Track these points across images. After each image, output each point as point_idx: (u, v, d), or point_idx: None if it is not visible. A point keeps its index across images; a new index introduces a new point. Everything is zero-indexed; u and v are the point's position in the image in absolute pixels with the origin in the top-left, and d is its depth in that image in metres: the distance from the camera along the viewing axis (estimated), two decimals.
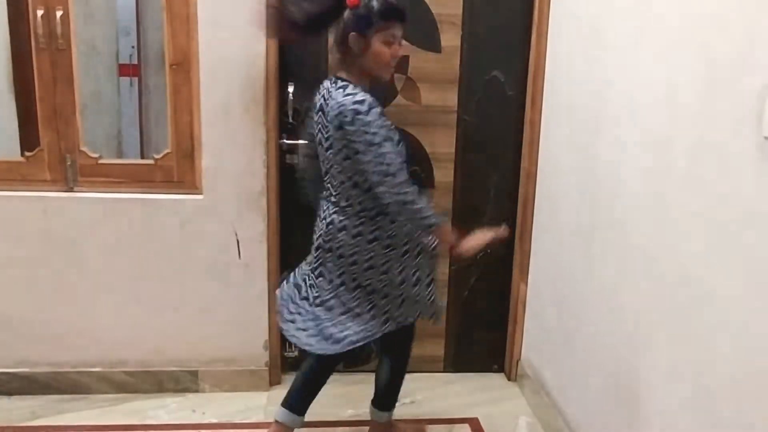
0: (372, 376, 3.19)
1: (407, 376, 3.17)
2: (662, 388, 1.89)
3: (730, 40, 1.60)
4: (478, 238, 2.19)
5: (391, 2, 2.05)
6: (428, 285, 2.35)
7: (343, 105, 2.03)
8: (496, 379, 3.24)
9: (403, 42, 2.16)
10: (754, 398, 1.50)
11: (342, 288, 2.21)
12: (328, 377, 2.43)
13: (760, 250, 1.48)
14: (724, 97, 1.62)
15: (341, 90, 2.08)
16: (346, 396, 3.02)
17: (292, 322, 2.31)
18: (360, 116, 2.00)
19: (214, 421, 2.78)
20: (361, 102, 2.02)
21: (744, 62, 1.54)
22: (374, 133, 2.00)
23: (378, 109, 2.04)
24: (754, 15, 1.51)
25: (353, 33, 2.06)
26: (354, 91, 2.06)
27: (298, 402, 2.38)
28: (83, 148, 2.78)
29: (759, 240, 1.48)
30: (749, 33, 1.53)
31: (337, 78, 2.15)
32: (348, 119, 2.01)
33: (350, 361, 3.10)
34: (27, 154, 2.78)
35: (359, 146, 2.01)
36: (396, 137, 2.09)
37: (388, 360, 2.53)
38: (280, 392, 2.99)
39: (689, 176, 1.76)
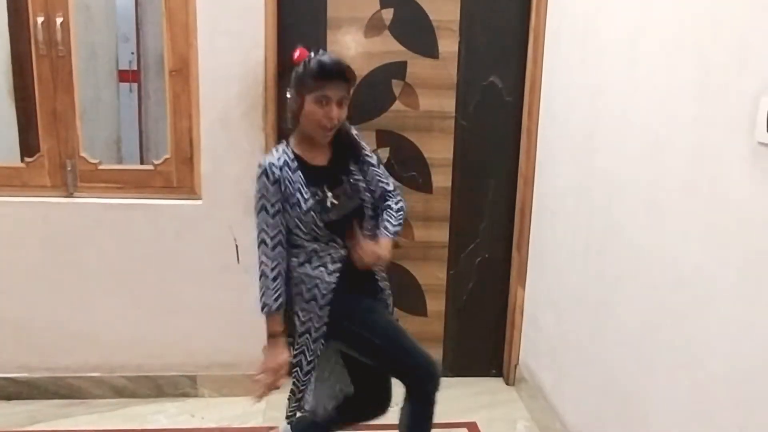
0: None
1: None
2: (659, 392, 1.90)
3: (725, 46, 1.61)
4: (277, 362, 2.07)
5: (324, 62, 1.96)
6: None
7: None
8: (494, 384, 3.24)
9: (343, 105, 2.02)
10: (751, 401, 1.51)
11: None
12: None
13: (755, 253, 1.49)
14: (718, 102, 1.63)
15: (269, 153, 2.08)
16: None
17: None
18: (257, 180, 2.02)
19: (213, 425, 2.79)
20: (259, 167, 2.02)
21: (738, 68, 1.56)
22: (256, 201, 2.02)
23: (268, 178, 1.98)
24: (748, 22, 1.53)
25: (291, 90, 2.04)
26: (271, 153, 2.05)
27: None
28: (83, 154, 2.79)
29: (753, 243, 1.50)
30: (743, 39, 1.54)
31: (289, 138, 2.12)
32: None
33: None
34: (27, 159, 2.79)
35: None
36: (298, 200, 2.00)
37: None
38: (279, 397, 3.00)
39: (684, 181, 1.77)
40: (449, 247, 3.13)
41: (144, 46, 3.87)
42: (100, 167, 2.81)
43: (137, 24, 3.84)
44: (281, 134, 2.89)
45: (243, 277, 2.88)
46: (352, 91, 2.06)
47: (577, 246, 2.51)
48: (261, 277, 2.04)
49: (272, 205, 2.00)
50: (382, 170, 2.22)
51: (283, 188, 2.00)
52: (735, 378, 1.56)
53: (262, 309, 2.05)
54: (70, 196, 2.80)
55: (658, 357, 1.91)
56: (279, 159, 2.02)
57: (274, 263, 2.02)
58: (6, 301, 2.83)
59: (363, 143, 2.20)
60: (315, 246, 2.05)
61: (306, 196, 2.00)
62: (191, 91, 2.76)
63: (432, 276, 3.16)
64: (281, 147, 2.07)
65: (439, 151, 3.03)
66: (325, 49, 2.86)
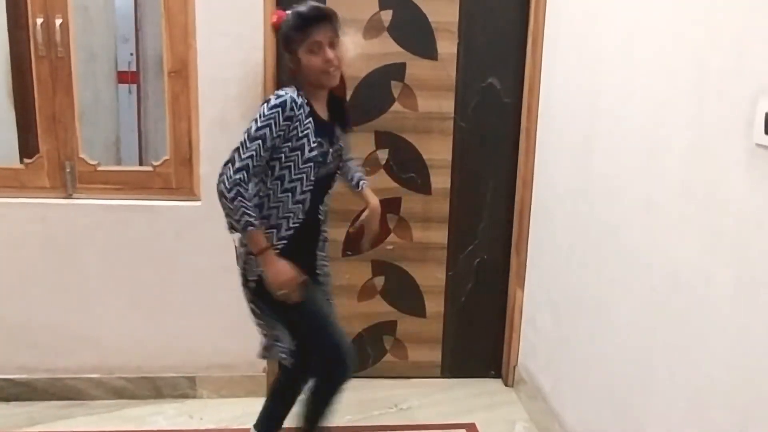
0: (371, 382, 3.21)
1: (404, 382, 3.20)
2: (658, 393, 1.90)
3: (721, 48, 1.62)
4: (284, 273, 2.02)
5: (302, 11, 1.98)
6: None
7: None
8: (493, 385, 3.24)
9: (345, 42, 2.06)
10: (749, 403, 1.52)
11: None
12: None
13: (753, 255, 1.50)
14: (715, 104, 1.64)
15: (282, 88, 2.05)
16: (344, 402, 3.02)
17: None
18: (264, 105, 1.98)
19: (212, 427, 2.79)
20: (276, 96, 1.97)
21: (735, 70, 1.56)
22: (256, 124, 1.95)
23: (284, 110, 1.94)
24: (744, 23, 1.54)
25: (285, 53, 2.05)
26: (285, 89, 2.01)
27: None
28: (82, 155, 2.79)
29: (751, 245, 1.50)
30: (740, 41, 1.55)
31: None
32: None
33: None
34: (26, 161, 2.80)
35: None
36: (303, 145, 2.00)
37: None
38: None
39: (682, 182, 1.78)
40: (448, 248, 3.14)
41: (143, 47, 3.87)
42: (99, 168, 2.81)
43: (136, 25, 3.84)
44: None
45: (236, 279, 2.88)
46: (339, 30, 2.06)
47: (576, 247, 2.51)
48: (237, 198, 1.93)
49: (273, 138, 1.95)
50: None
51: (292, 127, 1.96)
52: (733, 380, 1.57)
53: (245, 227, 1.97)
54: (69, 197, 2.80)
55: (656, 359, 1.91)
56: (299, 97, 1.99)
57: (253, 189, 1.99)
58: (5, 302, 2.83)
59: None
60: (284, 199, 2.03)
61: (313, 144, 2.00)
62: (190, 92, 2.76)
63: (431, 277, 3.16)
64: (294, 89, 2.02)
65: (437, 152, 3.03)
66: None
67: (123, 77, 3.89)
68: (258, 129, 1.95)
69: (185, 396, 2.97)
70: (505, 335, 3.22)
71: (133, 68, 3.89)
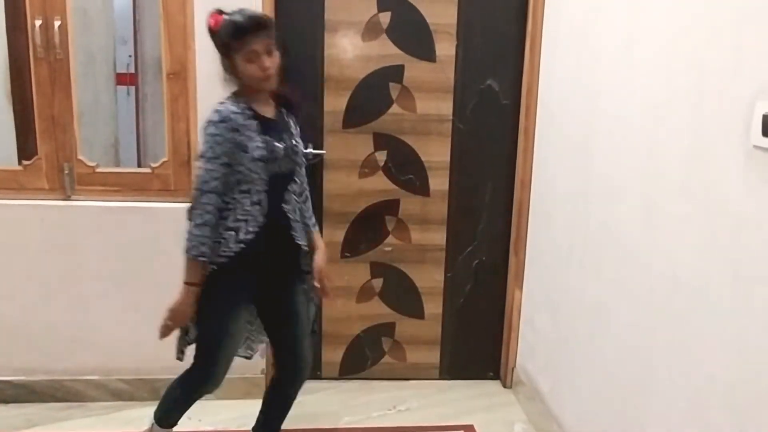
0: (369, 384, 3.21)
1: (403, 383, 3.20)
2: (657, 394, 1.91)
3: (720, 50, 1.62)
4: (182, 312, 2.09)
5: (237, 21, 1.99)
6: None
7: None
8: (492, 386, 3.24)
9: (276, 53, 2.05)
10: (749, 404, 1.52)
11: None
12: None
13: (751, 256, 1.50)
14: (713, 106, 1.64)
15: (219, 103, 2.08)
16: (342, 403, 3.03)
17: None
18: (206, 127, 2.01)
19: (210, 428, 2.79)
20: (216, 113, 2.01)
21: (733, 72, 1.57)
22: (206, 146, 2.00)
23: (226, 126, 1.98)
24: (742, 26, 1.54)
25: (222, 57, 2.06)
26: (223, 103, 2.05)
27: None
28: (81, 157, 2.79)
29: (749, 246, 1.50)
30: (738, 43, 1.55)
31: (232, 93, 2.12)
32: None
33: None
34: (25, 162, 2.79)
35: None
36: (249, 147, 2.02)
37: None
38: None
39: (680, 184, 1.78)
40: (446, 249, 3.14)
41: (142, 49, 3.86)
42: (98, 170, 2.81)
43: (135, 27, 3.83)
44: None
45: None
46: (275, 36, 2.06)
47: (574, 249, 2.52)
48: (201, 224, 2.00)
49: (222, 154, 2.00)
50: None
51: (238, 138, 2.00)
52: (732, 380, 1.57)
53: (197, 256, 2.02)
54: (68, 199, 2.80)
55: (654, 359, 1.91)
56: (235, 106, 2.03)
57: (204, 211, 2.01)
58: (3, 304, 2.83)
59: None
60: (241, 200, 2.05)
61: (259, 145, 2.03)
62: (189, 94, 2.76)
63: (429, 279, 3.17)
64: (230, 100, 2.06)
65: (436, 154, 3.04)
66: (322, 50, 2.89)
67: (122, 79, 3.88)
68: (210, 150, 1.99)
69: None
70: (503, 336, 3.22)
71: (132, 70, 3.88)
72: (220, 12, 2.05)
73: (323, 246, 2.35)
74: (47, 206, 2.78)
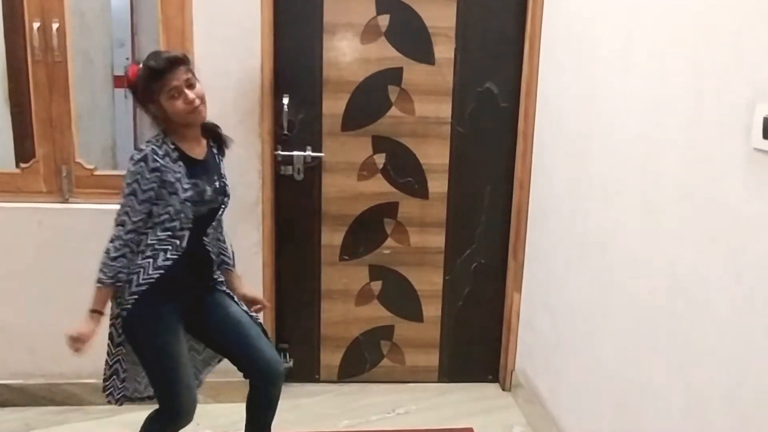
0: (368, 387, 3.21)
1: (402, 386, 3.19)
2: (656, 396, 1.90)
3: (719, 52, 1.62)
4: (79, 338, 2.09)
5: (151, 65, 2.01)
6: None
7: None
8: (491, 389, 3.24)
9: (197, 85, 2.07)
10: (748, 406, 1.52)
11: None
12: None
13: (750, 258, 1.50)
14: (713, 108, 1.64)
15: (146, 142, 2.11)
16: (341, 407, 3.02)
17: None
18: (129, 163, 2.05)
19: (209, 431, 2.79)
20: (138, 152, 2.05)
21: (733, 74, 1.57)
22: (127, 183, 2.04)
23: (147, 165, 2.01)
24: (742, 27, 1.54)
25: (149, 106, 2.07)
26: (149, 142, 2.08)
27: None
28: (78, 160, 2.78)
29: (749, 249, 1.50)
30: (738, 45, 1.55)
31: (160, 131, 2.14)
32: None
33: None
34: (22, 165, 2.79)
35: None
36: (177, 189, 2.04)
37: None
38: (280, 404, 2.99)
39: (680, 186, 1.78)
40: (445, 252, 3.14)
41: (140, 52, 3.86)
42: (96, 173, 2.81)
43: (133, 30, 3.83)
44: (278, 140, 2.90)
45: None
46: (192, 68, 2.08)
47: (573, 251, 2.52)
48: (106, 252, 2.05)
49: (143, 192, 2.03)
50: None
51: (162, 177, 2.03)
52: (731, 382, 1.57)
53: (112, 282, 2.06)
54: (66, 201, 2.79)
55: (654, 362, 1.91)
56: (160, 148, 2.05)
57: (123, 246, 2.04)
58: (1, 307, 2.82)
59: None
60: (162, 237, 2.08)
61: (186, 187, 2.05)
62: None
63: (428, 281, 3.16)
64: (159, 138, 2.09)
65: (435, 156, 3.03)
66: (321, 52, 2.89)
67: (119, 81, 3.88)
68: (128, 186, 2.03)
69: None
70: (502, 339, 3.22)
71: None
72: (136, 63, 2.08)
73: (243, 287, 2.38)
74: (45, 209, 2.77)
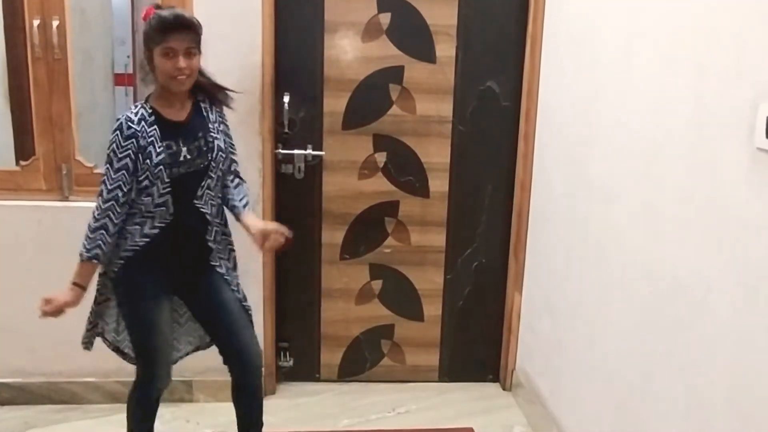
0: (368, 386, 3.20)
1: (402, 386, 3.19)
2: (657, 398, 1.90)
3: (721, 52, 1.62)
4: (54, 301, 2.10)
5: (163, 15, 2.02)
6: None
7: None
8: (491, 389, 3.24)
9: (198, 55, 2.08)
10: (750, 409, 1.51)
11: None
12: None
13: (753, 259, 1.49)
14: (715, 108, 1.63)
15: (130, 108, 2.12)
16: (341, 406, 3.02)
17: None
18: (111, 133, 2.06)
19: (209, 431, 2.78)
20: (117, 120, 2.06)
21: (735, 74, 1.56)
22: (108, 152, 2.06)
23: (122, 133, 2.03)
24: (744, 28, 1.53)
25: (143, 48, 2.08)
26: (130, 108, 2.10)
27: None
28: (78, 158, 2.78)
29: (751, 250, 1.50)
30: (740, 45, 1.54)
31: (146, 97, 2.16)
32: None
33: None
34: (22, 163, 2.78)
35: None
36: (150, 153, 2.04)
37: None
38: (275, 402, 3.00)
39: (681, 187, 1.77)
40: (446, 251, 3.13)
41: (140, 49, 3.86)
42: (96, 171, 2.80)
43: (133, 27, 3.82)
44: (278, 139, 2.89)
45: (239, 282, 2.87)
46: (200, 41, 2.09)
47: (574, 251, 2.51)
48: (100, 229, 2.06)
49: (119, 160, 2.04)
50: (231, 141, 2.31)
51: (137, 143, 2.04)
52: (733, 385, 1.56)
53: (93, 258, 2.07)
54: (66, 199, 2.79)
55: (655, 363, 1.90)
56: (136, 114, 2.07)
57: (102, 216, 2.05)
58: (0, 306, 2.81)
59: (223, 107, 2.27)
60: (142, 206, 2.09)
61: (159, 149, 2.05)
62: None
63: (429, 281, 3.16)
64: (140, 103, 2.11)
65: (436, 155, 3.03)
66: (322, 51, 2.88)
67: (120, 79, 3.88)
68: (107, 156, 2.06)
69: (181, 400, 2.95)
70: (503, 339, 3.21)
71: (130, 70, 3.88)
72: (154, 6, 2.09)
73: (258, 220, 2.32)
74: (45, 207, 2.77)
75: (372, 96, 2.95)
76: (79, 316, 2.85)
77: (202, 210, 2.16)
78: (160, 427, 2.76)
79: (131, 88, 3.92)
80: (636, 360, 2.02)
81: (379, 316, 3.18)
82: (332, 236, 3.07)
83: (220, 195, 2.25)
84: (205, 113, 2.20)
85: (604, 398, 2.24)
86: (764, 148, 1.45)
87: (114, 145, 2.04)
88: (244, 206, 2.29)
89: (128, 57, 3.89)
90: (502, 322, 3.20)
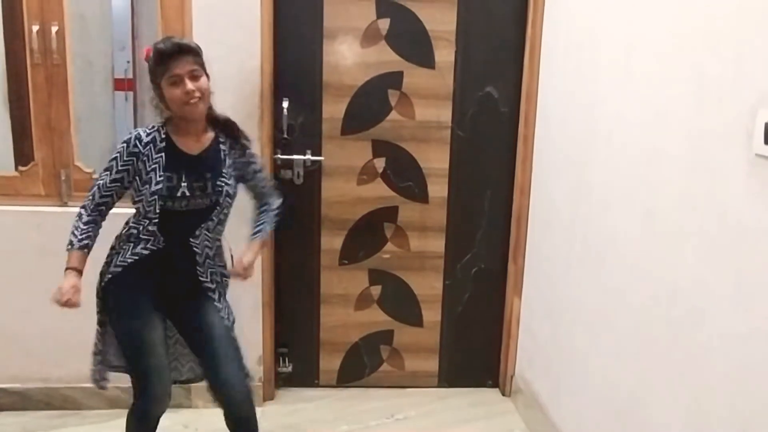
0: (367, 392, 3.19)
1: (401, 391, 3.18)
2: (656, 403, 1.89)
3: (721, 58, 1.62)
4: (60, 290, 2.14)
5: (159, 47, 2.03)
6: None
7: None
8: (491, 395, 3.23)
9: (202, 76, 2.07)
10: (749, 414, 1.51)
11: None
12: None
13: (752, 264, 1.49)
14: (714, 114, 1.63)
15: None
16: (340, 411, 3.01)
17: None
18: (120, 142, 2.11)
19: None
20: (128, 133, 2.10)
21: (734, 80, 1.56)
22: (109, 158, 2.11)
23: (127, 147, 2.07)
24: (744, 33, 1.53)
25: (152, 87, 2.09)
26: (146, 127, 2.12)
27: None
28: (78, 163, 2.78)
29: (750, 255, 1.49)
30: (739, 51, 1.54)
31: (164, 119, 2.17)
32: None
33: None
34: (21, 168, 2.78)
35: None
36: (150, 180, 2.07)
37: None
38: (274, 407, 3.00)
39: (680, 192, 1.77)
40: (445, 257, 3.13)
41: (139, 54, 3.87)
42: (95, 176, 2.79)
43: (133, 33, 3.83)
44: (277, 144, 2.89)
45: (237, 287, 2.86)
46: (203, 63, 2.09)
47: (574, 256, 2.50)
48: (75, 219, 2.11)
49: (117, 172, 2.08)
50: (264, 174, 2.32)
51: (139, 164, 2.07)
52: (732, 390, 1.56)
53: (67, 246, 2.12)
54: (65, 205, 2.79)
55: (655, 368, 1.90)
56: (148, 135, 2.09)
57: (91, 216, 2.11)
58: None
59: (248, 143, 2.26)
60: (139, 228, 2.11)
61: (159, 179, 2.06)
62: None
63: (428, 286, 3.15)
64: (158, 124, 2.13)
65: (435, 161, 3.02)
66: (321, 56, 2.88)
67: (119, 84, 3.88)
68: (108, 161, 2.10)
69: (180, 406, 2.94)
70: (502, 345, 3.21)
71: (130, 75, 3.88)
72: (150, 46, 2.09)
73: (255, 250, 2.30)
74: (44, 212, 2.77)
75: (371, 101, 2.95)
76: (77, 319, 2.85)
77: (194, 249, 2.14)
78: None
79: (131, 93, 3.92)
80: (636, 366, 2.02)
81: (378, 321, 3.17)
82: (331, 242, 3.06)
83: (219, 238, 2.24)
84: (222, 155, 2.17)
85: (604, 404, 2.24)
86: (763, 154, 1.45)
87: (118, 155, 2.08)
88: (253, 236, 2.31)
89: (128, 62, 3.89)
90: (501, 328, 3.20)
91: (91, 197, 2.11)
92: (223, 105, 2.71)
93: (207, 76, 2.09)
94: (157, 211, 2.06)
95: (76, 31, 2.86)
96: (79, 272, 2.13)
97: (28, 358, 2.85)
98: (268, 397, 3.04)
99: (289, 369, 3.14)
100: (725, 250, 1.58)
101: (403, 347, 3.21)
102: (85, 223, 2.10)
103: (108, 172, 2.09)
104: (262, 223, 2.31)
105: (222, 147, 2.18)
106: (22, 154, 2.88)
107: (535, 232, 2.95)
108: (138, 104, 3.92)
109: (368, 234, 3.08)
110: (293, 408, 3.01)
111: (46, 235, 2.77)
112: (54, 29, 2.65)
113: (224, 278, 2.30)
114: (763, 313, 1.45)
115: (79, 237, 2.10)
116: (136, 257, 2.11)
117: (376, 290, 3.14)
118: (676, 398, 1.78)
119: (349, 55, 2.92)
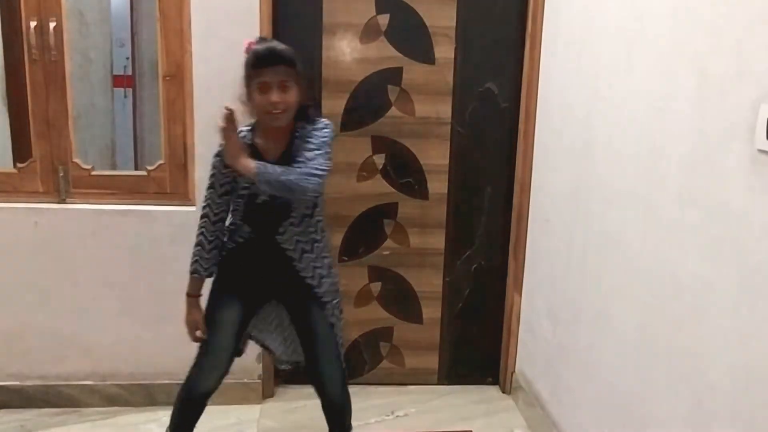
0: (367, 389, 3.19)
1: (401, 389, 3.17)
2: (657, 400, 1.88)
3: (723, 53, 1.60)
4: (187, 319, 2.26)
5: (257, 50, 2.02)
6: None
7: None
8: (491, 392, 3.22)
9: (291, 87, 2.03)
10: (752, 412, 1.50)
11: None
12: None
13: (754, 262, 1.48)
14: (716, 110, 1.62)
15: None
16: None
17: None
18: (214, 156, 2.16)
19: None
20: (221, 146, 2.11)
21: (736, 76, 1.55)
22: (209, 176, 2.18)
23: (221, 159, 2.10)
24: (746, 29, 1.52)
25: (244, 84, 2.08)
26: (241, 126, 2.15)
27: None
28: (76, 160, 2.77)
29: (752, 251, 1.48)
30: (741, 47, 1.53)
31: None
32: None
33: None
34: (19, 165, 2.77)
35: None
36: (237, 183, 2.13)
37: None
38: (273, 405, 2.99)
39: (682, 189, 1.76)
40: (445, 253, 3.12)
41: (139, 51, 3.86)
42: (93, 173, 2.79)
43: (132, 29, 3.82)
44: None
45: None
46: (298, 73, 2.05)
47: (574, 253, 2.50)
48: (197, 246, 2.19)
49: (221, 185, 2.14)
50: (311, 154, 2.08)
51: (223, 165, 2.10)
52: (734, 388, 1.55)
53: (193, 273, 2.20)
54: (63, 202, 2.78)
55: (656, 366, 1.89)
56: (242, 136, 2.12)
57: (213, 236, 2.18)
58: None
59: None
60: (235, 224, 2.20)
61: (243, 184, 2.11)
62: (185, 96, 2.74)
63: (428, 283, 3.14)
64: (250, 125, 2.15)
65: (435, 157, 3.01)
66: (320, 52, 2.87)
67: (118, 81, 3.88)
68: (209, 178, 2.17)
69: None
70: (502, 341, 3.20)
71: (129, 72, 3.88)
72: (255, 41, 2.10)
73: (251, 163, 2.10)
74: (42, 209, 2.76)
75: (371, 97, 2.94)
76: (76, 317, 2.85)
77: (283, 246, 2.16)
78: (157, 430, 2.76)
79: (130, 90, 3.92)
80: (636, 363, 2.01)
81: (378, 318, 3.16)
82: (331, 238, 3.05)
83: (312, 232, 2.19)
84: (296, 151, 2.09)
85: (605, 401, 2.23)
86: (765, 150, 1.43)
87: (216, 170, 2.14)
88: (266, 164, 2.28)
89: (127, 59, 3.88)
90: (501, 325, 3.19)
91: (206, 220, 2.17)
92: (223, 101, 2.70)
93: (299, 86, 2.05)
94: (243, 209, 2.14)
95: (74, 27, 2.87)
96: (194, 297, 2.23)
97: (27, 356, 2.85)
98: (268, 394, 3.04)
99: (289, 367, 3.13)
100: (727, 246, 1.57)
101: (403, 344, 3.20)
102: (208, 251, 2.19)
103: (212, 189, 2.15)
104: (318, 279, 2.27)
105: (298, 141, 2.11)
106: (20, 150, 2.88)
107: (535, 228, 2.94)
108: (137, 101, 3.92)
109: (368, 230, 3.07)
110: (294, 405, 3.00)
111: (43, 232, 2.77)
112: (52, 25, 2.63)
113: (335, 289, 2.32)
114: (766, 309, 1.44)
115: (205, 266, 2.19)
116: (234, 244, 2.19)
117: (375, 287, 3.14)
118: (678, 397, 1.78)
119: (348, 51, 2.90)
